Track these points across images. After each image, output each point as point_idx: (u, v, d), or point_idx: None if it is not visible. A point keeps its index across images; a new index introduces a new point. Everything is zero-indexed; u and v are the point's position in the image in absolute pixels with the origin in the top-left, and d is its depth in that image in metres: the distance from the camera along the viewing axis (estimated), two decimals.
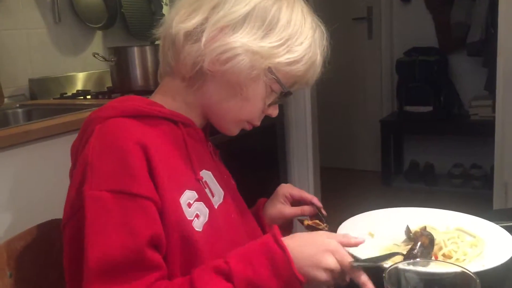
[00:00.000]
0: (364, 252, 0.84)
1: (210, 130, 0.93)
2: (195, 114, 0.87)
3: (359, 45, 4.06)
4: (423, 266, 0.65)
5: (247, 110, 0.85)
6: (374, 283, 0.72)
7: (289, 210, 0.99)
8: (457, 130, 3.68)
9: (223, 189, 0.87)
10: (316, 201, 0.98)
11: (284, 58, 0.80)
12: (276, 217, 0.99)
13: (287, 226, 1.03)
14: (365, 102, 4.14)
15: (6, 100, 2.04)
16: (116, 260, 0.68)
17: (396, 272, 0.62)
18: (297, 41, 0.81)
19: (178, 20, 0.81)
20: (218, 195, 0.85)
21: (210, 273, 0.72)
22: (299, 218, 1.01)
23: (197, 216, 0.78)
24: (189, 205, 0.78)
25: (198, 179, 0.82)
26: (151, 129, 0.77)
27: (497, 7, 2.43)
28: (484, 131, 2.92)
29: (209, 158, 0.89)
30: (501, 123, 2.47)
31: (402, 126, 3.86)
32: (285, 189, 1.01)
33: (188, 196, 0.78)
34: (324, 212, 0.97)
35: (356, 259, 0.82)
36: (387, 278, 0.60)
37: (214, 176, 0.87)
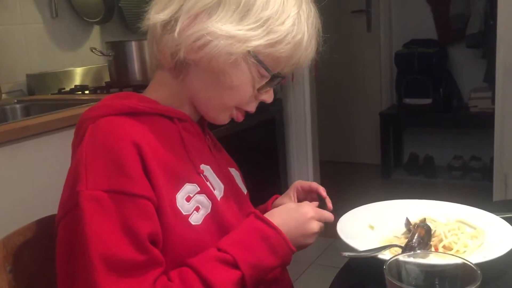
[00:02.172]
0: (364, 245, 0.84)
1: (208, 124, 0.92)
2: (188, 106, 0.86)
3: (358, 37, 4.04)
4: (424, 258, 0.64)
5: (234, 97, 0.83)
6: (375, 275, 0.71)
7: (286, 201, 0.98)
8: (456, 122, 3.67)
9: (223, 183, 0.86)
10: (321, 191, 0.96)
11: (264, 40, 0.76)
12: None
13: None
14: (364, 95, 4.13)
15: (4, 95, 2.03)
16: (119, 257, 0.68)
17: (397, 264, 0.61)
18: (278, 21, 0.77)
19: (155, 11, 0.80)
20: (218, 189, 0.85)
21: (214, 262, 0.74)
22: None
23: (197, 209, 0.78)
24: (188, 199, 0.77)
25: (199, 172, 0.82)
26: (145, 126, 0.77)
27: None
28: (484, 123, 2.92)
29: (207, 152, 0.88)
30: (500, 115, 2.47)
31: (402, 118, 3.86)
32: (297, 183, 1.00)
33: (187, 190, 0.78)
34: (329, 204, 0.94)
35: (354, 250, 0.82)
36: (387, 270, 0.59)
37: (213, 170, 0.86)
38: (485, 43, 3.38)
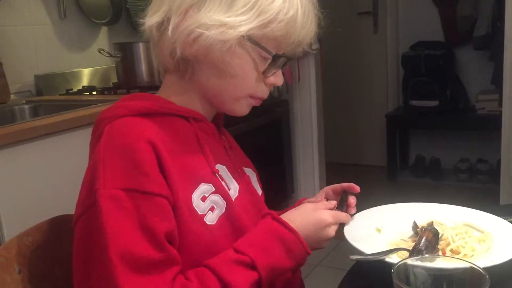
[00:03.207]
0: (371, 248, 0.84)
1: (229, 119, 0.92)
2: (201, 106, 0.86)
3: (365, 39, 4.04)
4: (432, 261, 0.64)
5: (241, 85, 0.82)
6: (382, 278, 0.71)
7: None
8: (463, 124, 3.66)
9: (238, 183, 0.87)
10: (353, 188, 0.95)
11: (255, 22, 0.76)
12: None
13: None
14: (370, 97, 4.12)
15: (12, 96, 2.05)
16: (137, 255, 0.68)
17: (405, 268, 0.61)
18: (268, 0, 0.76)
19: (149, 15, 0.82)
20: (233, 189, 0.85)
21: (232, 264, 0.74)
22: None
23: (211, 209, 0.78)
24: (204, 199, 0.78)
25: (214, 172, 0.82)
26: (161, 126, 0.77)
27: (503, 0, 2.41)
28: (491, 125, 2.91)
29: (223, 152, 0.88)
30: (508, 117, 2.46)
31: (408, 120, 3.85)
32: (326, 188, 0.99)
33: (202, 190, 0.78)
34: (352, 201, 0.93)
35: (361, 254, 0.82)
36: (395, 274, 0.59)
37: (229, 170, 0.86)
38: (492, 45, 3.36)
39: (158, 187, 0.72)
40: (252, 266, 0.75)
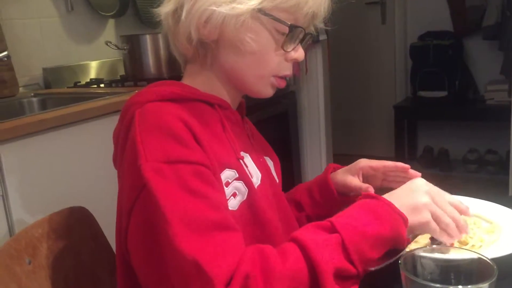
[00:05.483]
0: None
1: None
2: (226, 92, 0.86)
3: (373, 30, 4.01)
4: (439, 252, 0.64)
5: (261, 62, 0.82)
6: (390, 269, 0.71)
7: (354, 182, 0.97)
8: (472, 115, 3.63)
9: (261, 172, 0.87)
10: (400, 167, 0.94)
11: None
12: (339, 185, 0.99)
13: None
14: (378, 88, 4.10)
15: (20, 89, 2.06)
16: (197, 216, 0.66)
17: (412, 259, 0.61)
18: None
19: (163, 5, 0.83)
20: (256, 177, 0.85)
21: (309, 228, 0.71)
22: None
23: (234, 195, 0.78)
24: (227, 184, 0.77)
25: (239, 158, 0.82)
26: (189, 111, 0.77)
27: None
28: (500, 115, 2.88)
29: (246, 141, 0.89)
30: None
31: (416, 111, 3.83)
32: (363, 163, 0.98)
33: (226, 175, 0.78)
34: None
35: None
36: (402, 265, 0.59)
37: (252, 158, 0.86)
38: (501, 34, 3.33)
39: (199, 157, 0.71)
40: (332, 229, 0.69)
